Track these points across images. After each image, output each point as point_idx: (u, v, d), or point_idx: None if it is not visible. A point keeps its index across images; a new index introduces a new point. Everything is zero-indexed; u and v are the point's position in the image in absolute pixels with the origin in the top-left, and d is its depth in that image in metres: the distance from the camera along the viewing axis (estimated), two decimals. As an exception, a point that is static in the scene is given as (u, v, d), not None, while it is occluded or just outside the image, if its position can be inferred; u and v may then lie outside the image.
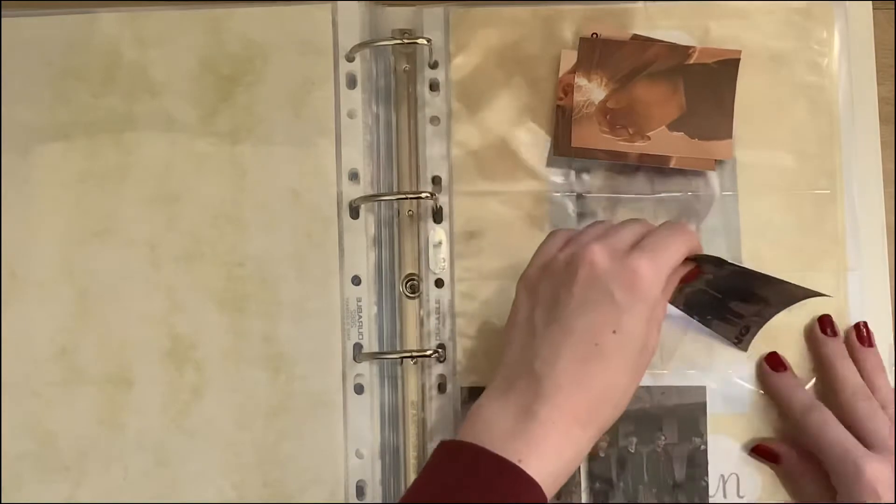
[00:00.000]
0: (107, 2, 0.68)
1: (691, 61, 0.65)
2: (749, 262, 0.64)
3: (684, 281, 0.56)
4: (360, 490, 0.63)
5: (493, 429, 0.51)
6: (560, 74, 0.66)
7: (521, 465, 0.49)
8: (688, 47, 0.65)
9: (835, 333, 0.63)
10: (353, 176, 0.65)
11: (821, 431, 0.59)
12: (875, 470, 0.56)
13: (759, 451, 0.63)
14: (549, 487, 0.50)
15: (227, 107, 0.66)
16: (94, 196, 0.66)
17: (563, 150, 0.65)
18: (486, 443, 0.50)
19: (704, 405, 0.63)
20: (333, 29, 0.66)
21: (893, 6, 0.67)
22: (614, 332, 0.51)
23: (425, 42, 0.65)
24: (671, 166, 0.64)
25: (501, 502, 0.48)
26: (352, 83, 0.66)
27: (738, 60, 0.65)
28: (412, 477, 0.64)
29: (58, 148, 0.66)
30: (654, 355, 0.55)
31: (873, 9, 0.67)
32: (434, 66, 0.66)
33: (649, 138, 0.64)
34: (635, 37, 0.66)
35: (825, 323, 0.63)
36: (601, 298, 0.52)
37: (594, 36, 0.66)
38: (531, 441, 0.50)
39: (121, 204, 0.66)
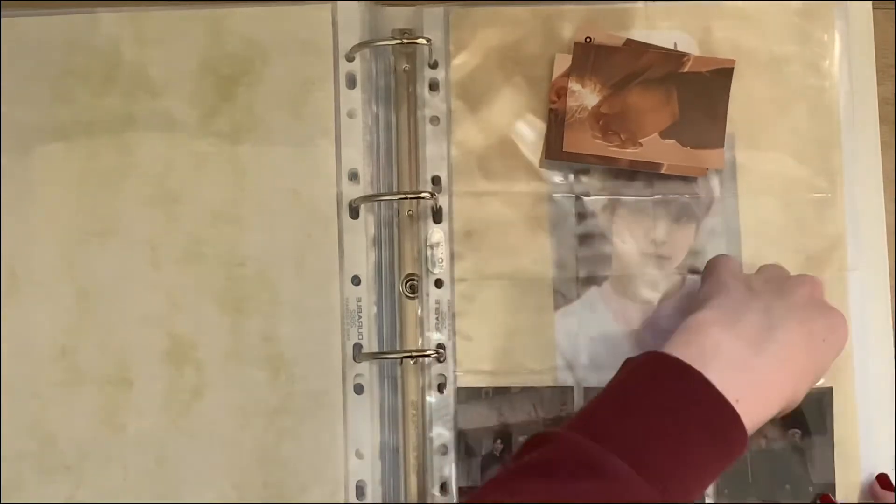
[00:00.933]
0: (107, 2, 0.68)
1: (685, 69, 0.65)
2: (749, 263, 0.64)
3: None
4: (360, 490, 0.63)
5: (720, 359, 0.52)
6: (553, 78, 0.66)
7: (739, 406, 0.50)
8: (682, 55, 0.65)
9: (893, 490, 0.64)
10: (353, 176, 0.65)
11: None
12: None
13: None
14: (751, 428, 0.52)
15: (227, 107, 0.66)
16: (95, 196, 0.66)
17: (554, 153, 0.65)
18: (708, 371, 0.51)
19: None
20: (333, 29, 0.66)
21: (893, 6, 0.67)
22: (824, 340, 0.56)
23: (425, 42, 0.65)
24: (662, 172, 0.64)
25: (713, 443, 0.50)
26: (352, 83, 0.66)
27: (731, 70, 0.65)
28: (412, 477, 0.64)
29: (58, 148, 0.66)
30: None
31: (873, 9, 0.67)
32: (434, 65, 0.66)
33: (641, 145, 0.64)
34: (629, 42, 0.65)
35: (883, 481, 0.64)
36: (820, 315, 0.56)
37: (588, 40, 0.66)
38: (756, 382, 0.52)
39: (121, 204, 0.66)
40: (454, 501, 0.63)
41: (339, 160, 0.65)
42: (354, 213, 0.65)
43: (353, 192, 0.65)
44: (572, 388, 0.64)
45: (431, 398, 0.64)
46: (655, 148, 0.64)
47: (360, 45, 0.65)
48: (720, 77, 0.65)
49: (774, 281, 0.58)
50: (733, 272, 0.59)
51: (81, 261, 0.66)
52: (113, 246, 0.66)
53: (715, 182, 0.65)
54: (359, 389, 0.64)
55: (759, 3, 0.66)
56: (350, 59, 0.66)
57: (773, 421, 0.60)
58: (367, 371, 0.64)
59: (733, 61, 0.65)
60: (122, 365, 0.65)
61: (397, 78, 0.67)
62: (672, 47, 0.66)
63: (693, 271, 0.65)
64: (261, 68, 0.66)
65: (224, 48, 0.67)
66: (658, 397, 0.51)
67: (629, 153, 0.64)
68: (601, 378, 0.64)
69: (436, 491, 0.64)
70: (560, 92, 0.66)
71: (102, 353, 0.65)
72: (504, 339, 0.65)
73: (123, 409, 0.64)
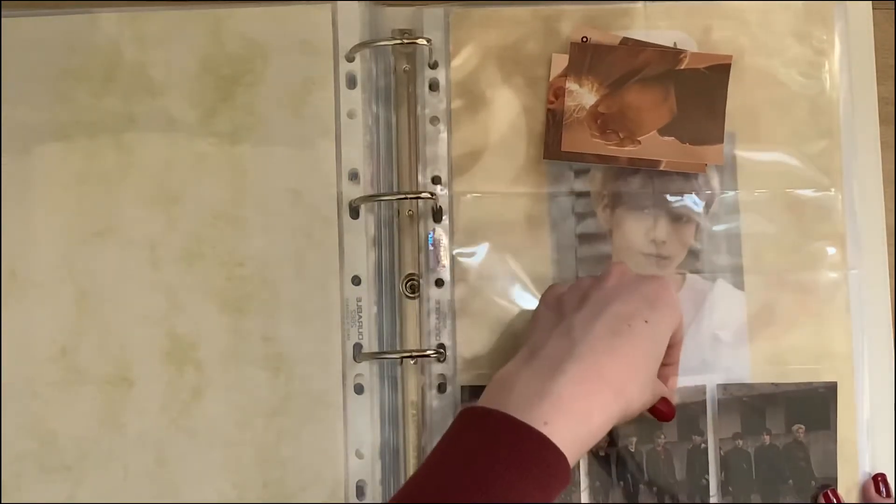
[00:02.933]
0: (107, 2, 0.68)
1: (682, 66, 0.65)
2: (750, 262, 0.64)
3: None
4: (360, 490, 0.63)
5: (517, 392, 0.51)
6: (550, 78, 0.66)
7: (547, 429, 0.49)
8: (679, 52, 0.65)
9: (888, 493, 0.63)
10: (353, 176, 0.65)
11: None
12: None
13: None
14: (574, 453, 0.50)
15: (227, 107, 0.66)
16: (95, 196, 0.66)
17: (552, 153, 0.65)
18: (509, 407, 0.50)
19: (704, 403, 0.64)
20: (333, 29, 0.66)
21: (893, 6, 0.67)
22: (646, 321, 0.55)
23: (425, 42, 0.65)
24: (661, 168, 0.64)
25: (523, 471, 0.48)
26: (352, 83, 0.66)
27: (729, 66, 0.65)
28: (412, 477, 0.64)
29: (58, 148, 0.66)
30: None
31: (873, 9, 0.67)
32: (434, 66, 0.66)
33: (640, 143, 0.64)
34: (625, 40, 0.65)
35: (878, 481, 0.64)
36: (633, 295, 0.56)
37: (584, 40, 0.66)
38: (559, 402, 0.50)
39: (121, 204, 0.66)
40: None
41: (339, 160, 0.65)
42: (354, 213, 0.65)
43: (353, 192, 0.65)
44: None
45: (432, 398, 0.64)
46: (654, 145, 0.64)
47: (360, 45, 0.66)
48: (718, 73, 0.65)
49: (580, 290, 0.58)
50: (547, 302, 0.60)
51: (81, 261, 0.66)
52: (113, 246, 0.66)
53: (715, 182, 0.65)
54: (359, 389, 0.64)
55: (758, 4, 0.66)
56: (350, 59, 0.66)
57: (775, 416, 0.61)
58: (367, 371, 0.64)
59: (730, 57, 0.65)
60: (122, 365, 0.65)
61: (397, 78, 0.67)
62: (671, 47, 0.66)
63: (693, 271, 0.65)
64: (261, 68, 0.66)
65: (224, 48, 0.67)
66: (466, 444, 0.50)
67: (628, 151, 0.64)
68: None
69: (436, 491, 0.64)
70: (558, 92, 0.66)
71: (102, 353, 0.65)
72: (504, 338, 0.65)
73: (123, 409, 0.64)
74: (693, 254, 0.65)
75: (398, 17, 0.68)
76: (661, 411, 0.59)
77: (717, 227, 0.65)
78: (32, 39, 0.67)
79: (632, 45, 0.65)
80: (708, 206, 0.65)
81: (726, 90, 0.65)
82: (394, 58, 0.67)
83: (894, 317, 0.65)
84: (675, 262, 0.65)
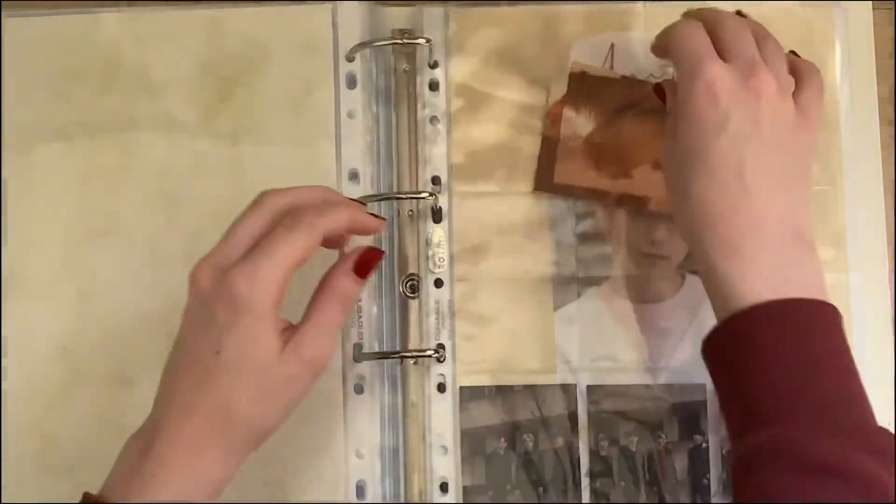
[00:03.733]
0: (107, 2, 0.68)
1: None
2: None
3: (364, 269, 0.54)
4: (360, 490, 0.63)
5: (114, 474, 0.51)
6: (548, 104, 0.66)
7: None
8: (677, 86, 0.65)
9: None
10: (353, 176, 0.65)
11: (681, 35, 0.57)
12: (716, 73, 0.54)
13: (656, 90, 0.61)
14: None
15: (227, 107, 0.66)
16: (95, 196, 0.66)
17: (544, 185, 0.65)
18: (107, 490, 0.50)
19: (705, 403, 0.64)
20: (333, 29, 0.66)
21: (893, 6, 0.67)
22: (217, 352, 0.50)
23: (425, 42, 0.65)
24: (650, 208, 0.64)
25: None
26: (352, 83, 0.66)
27: None
28: (412, 477, 0.64)
29: (58, 148, 0.66)
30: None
31: (873, 9, 0.67)
32: (434, 66, 0.66)
33: (632, 176, 0.64)
34: (624, 78, 0.65)
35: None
36: (205, 321, 0.51)
37: (583, 73, 0.66)
38: (149, 482, 0.49)
39: (121, 204, 0.66)
40: (455, 501, 0.63)
41: (339, 160, 0.66)
42: (354, 213, 0.65)
43: (353, 192, 0.65)
44: (574, 385, 0.64)
45: (431, 398, 0.64)
46: (646, 179, 0.64)
47: (360, 46, 0.66)
48: None
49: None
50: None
51: (81, 261, 0.66)
52: (113, 246, 0.66)
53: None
54: (359, 389, 0.64)
55: (758, 4, 0.66)
56: (350, 59, 0.66)
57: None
58: (367, 371, 0.64)
59: None
60: (122, 365, 0.65)
61: (397, 78, 0.67)
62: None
63: (693, 271, 0.65)
64: (261, 68, 0.66)
65: (224, 48, 0.67)
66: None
67: (620, 185, 0.64)
68: (601, 377, 0.64)
69: (436, 491, 0.64)
70: (555, 118, 0.65)
71: (102, 353, 0.65)
72: (504, 338, 0.65)
73: (123, 409, 0.64)
74: (693, 254, 0.65)
75: (398, 17, 0.68)
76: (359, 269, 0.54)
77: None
78: (32, 39, 0.67)
79: (631, 79, 0.65)
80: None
81: None
82: (394, 58, 0.67)
83: (894, 317, 0.65)
84: (674, 262, 0.65)
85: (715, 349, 0.54)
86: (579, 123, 0.65)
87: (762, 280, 0.51)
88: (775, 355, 0.50)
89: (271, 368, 0.50)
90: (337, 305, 0.53)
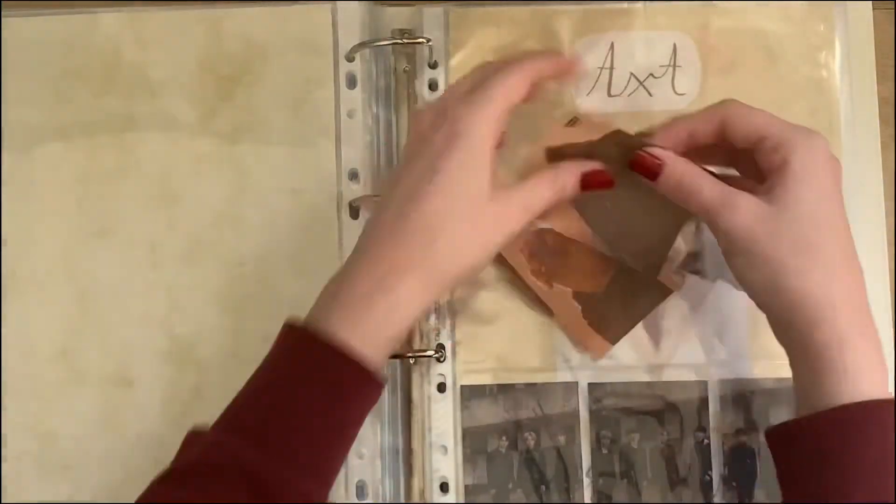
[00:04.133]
0: (107, 2, 0.68)
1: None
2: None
3: (590, 187, 0.55)
4: (361, 490, 0.63)
5: (319, 300, 0.52)
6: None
7: (341, 335, 0.49)
8: None
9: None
10: (353, 176, 0.65)
11: (750, 112, 0.54)
12: (826, 146, 0.53)
13: (637, 163, 0.55)
14: (381, 351, 0.50)
15: (227, 107, 0.66)
16: (95, 196, 0.66)
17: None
18: (313, 318, 0.50)
19: (706, 400, 0.64)
20: (333, 29, 0.66)
21: (893, 6, 0.67)
22: (433, 174, 0.51)
23: (425, 42, 0.65)
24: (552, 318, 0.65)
25: (321, 391, 0.49)
26: (352, 83, 0.66)
27: (669, 292, 0.64)
28: (412, 477, 0.64)
29: (58, 148, 0.66)
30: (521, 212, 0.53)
31: (873, 9, 0.67)
32: (434, 66, 0.66)
33: (552, 287, 0.64)
34: (618, 132, 0.61)
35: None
36: (422, 149, 0.52)
37: (573, 121, 0.65)
38: (348, 306, 0.50)
39: (121, 204, 0.66)
40: (455, 501, 0.63)
41: (339, 160, 0.66)
42: (354, 213, 0.65)
43: (353, 192, 0.65)
44: (575, 383, 0.64)
45: (432, 398, 0.64)
46: (560, 300, 0.64)
47: (360, 45, 0.66)
48: (657, 289, 0.64)
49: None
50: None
51: (81, 261, 0.65)
52: (113, 246, 0.66)
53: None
54: (359, 389, 0.64)
55: (758, 4, 0.66)
56: (350, 59, 0.66)
57: (778, 413, 0.61)
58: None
59: (678, 286, 0.64)
60: (122, 365, 0.65)
61: (397, 78, 0.67)
62: (670, 50, 0.66)
63: (693, 271, 0.65)
64: (261, 68, 0.66)
65: (224, 48, 0.67)
66: (273, 367, 0.51)
67: (537, 285, 0.64)
68: (601, 375, 0.64)
69: (436, 491, 0.63)
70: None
71: (102, 353, 0.65)
72: (504, 337, 0.65)
73: (123, 409, 0.64)
74: (693, 254, 0.65)
75: (398, 17, 0.68)
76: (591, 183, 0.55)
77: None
78: (32, 39, 0.67)
79: (622, 138, 0.60)
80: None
81: (654, 308, 0.64)
82: (394, 58, 0.67)
83: (894, 317, 0.65)
84: (675, 262, 0.65)
85: (808, 439, 0.51)
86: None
87: (874, 373, 0.51)
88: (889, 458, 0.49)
89: (480, 201, 0.51)
90: (549, 189, 0.53)
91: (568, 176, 0.54)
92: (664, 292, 0.64)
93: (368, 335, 0.49)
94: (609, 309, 0.64)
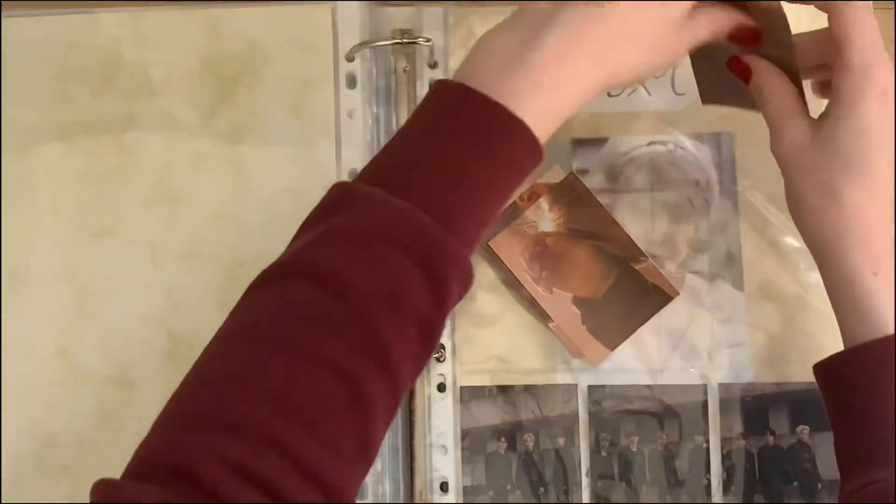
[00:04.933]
0: (107, 2, 0.68)
1: (637, 266, 0.65)
2: (750, 261, 0.64)
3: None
4: (361, 490, 0.63)
5: (489, 63, 0.48)
6: (537, 181, 0.66)
7: (514, 102, 0.46)
8: (642, 254, 0.65)
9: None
10: (353, 176, 0.65)
11: (853, 19, 0.52)
12: (890, 79, 0.51)
13: (732, 64, 0.56)
14: (546, 126, 0.47)
15: (227, 107, 0.66)
16: (95, 196, 0.66)
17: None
18: (477, 79, 0.47)
19: (705, 403, 0.64)
20: (333, 29, 0.66)
21: (893, 6, 0.67)
22: None
23: (425, 42, 0.65)
24: (549, 326, 0.64)
25: (485, 149, 0.46)
26: (352, 83, 0.66)
27: (671, 297, 0.64)
28: (413, 477, 0.64)
29: (58, 148, 0.66)
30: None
31: (873, 9, 0.67)
32: (434, 65, 0.66)
33: (552, 293, 0.64)
34: (600, 206, 0.64)
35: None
36: None
37: (575, 184, 0.66)
38: (529, 73, 0.47)
39: (121, 204, 0.66)
40: (455, 501, 0.63)
41: (339, 160, 0.66)
42: (355, 212, 0.65)
43: (353, 191, 0.65)
44: (575, 385, 0.64)
45: (432, 398, 0.64)
46: (559, 305, 0.64)
47: (360, 45, 0.66)
48: (656, 295, 0.64)
49: None
50: None
51: (81, 261, 0.66)
52: (113, 246, 0.66)
53: (715, 181, 0.65)
54: (359, 389, 0.64)
55: (758, 4, 0.66)
56: (350, 59, 0.66)
57: (778, 416, 0.61)
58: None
59: (677, 293, 0.64)
60: (121, 365, 0.65)
61: (397, 78, 0.67)
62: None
63: (693, 271, 0.65)
64: (261, 68, 0.66)
65: (224, 48, 0.67)
66: (430, 124, 0.47)
67: (536, 292, 0.64)
68: (601, 377, 0.64)
69: (436, 491, 0.64)
70: (533, 196, 0.65)
71: (102, 353, 0.65)
72: (504, 339, 0.65)
73: (123, 408, 0.64)
74: (693, 254, 0.65)
75: (398, 17, 0.68)
76: (737, 37, 0.53)
77: (717, 226, 0.65)
78: (32, 39, 0.67)
79: (611, 221, 0.64)
80: (708, 204, 0.65)
81: (648, 318, 0.64)
82: (394, 58, 0.67)
83: (894, 317, 0.65)
84: (674, 261, 0.65)
85: (846, 372, 0.52)
86: (544, 218, 0.65)
87: None
88: None
89: (661, 31, 0.49)
90: (726, 16, 0.52)
91: (728, 21, 0.52)
92: (664, 298, 0.64)
93: (539, 107, 0.47)
94: (608, 315, 0.64)
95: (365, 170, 0.48)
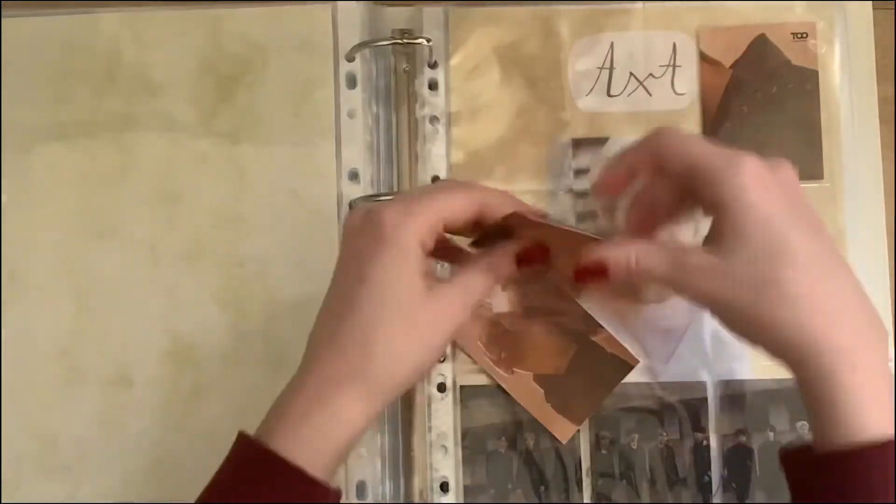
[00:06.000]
0: (107, 2, 0.68)
1: (595, 338, 0.64)
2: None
3: (528, 263, 0.54)
4: (361, 490, 0.63)
5: (269, 413, 0.50)
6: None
7: (282, 448, 0.48)
8: (599, 326, 0.64)
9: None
10: (353, 176, 0.65)
11: (681, 141, 0.51)
12: (755, 163, 0.49)
13: (580, 277, 0.53)
14: (323, 462, 0.49)
15: (227, 107, 0.66)
16: (94, 196, 0.66)
17: None
18: (260, 427, 0.50)
19: (706, 401, 0.64)
20: (333, 29, 0.66)
21: (893, 6, 0.67)
22: (361, 282, 0.50)
23: (425, 42, 0.65)
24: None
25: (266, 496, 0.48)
26: (352, 83, 0.66)
27: (631, 367, 0.64)
28: (412, 477, 0.64)
29: (58, 148, 0.66)
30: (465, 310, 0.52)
31: (873, 9, 0.67)
32: (433, 65, 0.66)
33: (513, 373, 0.64)
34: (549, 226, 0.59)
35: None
36: (350, 255, 0.51)
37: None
38: (290, 417, 0.49)
39: (121, 204, 0.66)
40: (455, 501, 0.63)
41: (339, 160, 0.66)
42: (355, 213, 0.65)
43: (353, 192, 0.65)
44: (575, 384, 0.64)
45: (432, 398, 0.64)
46: (522, 385, 0.64)
47: (360, 45, 0.66)
48: (616, 367, 0.64)
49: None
50: (344, 246, 0.54)
51: (81, 261, 0.66)
52: (113, 246, 0.66)
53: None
54: (359, 389, 0.64)
55: (758, 4, 0.66)
56: (350, 59, 0.66)
57: (778, 413, 0.61)
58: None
59: (637, 362, 0.64)
60: (121, 365, 0.65)
61: (397, 78, 0.67)
62: (670, 50, 0.66)
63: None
64: (261, 68, 0.67)
65: (224, 48, 0.67)
66: (220, 478, 0.51)
67: (499, 374, 0.64)
68: (602, 377, 0.64)
69: (436, 491, 0.63)
70: None
71: (102, 353, 0.65)
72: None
73: (123, 408, 0.64)
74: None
75: (398, 17, 0.68)
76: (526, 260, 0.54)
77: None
78: (32, 39, 0.67)
79: (562, 233, 0.58)
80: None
81: (613, 388, 0.64)
82: (394, 58, 0.67)
83: (894, 316, 0.65)
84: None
85: (826, 474, 0.47)
86: (498, 299, 0.65)
87: (886, 407, 0.47)
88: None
89: (413, 304, 0.50)
90: (483, 276, 0.53)
91: (502, 256, 0.54)
92: (625, 368, 0.64)
93: (306, 447, 0.48)
94: (572, 390, 0.63)
95: None
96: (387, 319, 0.49)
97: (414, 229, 0.50)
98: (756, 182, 0.48)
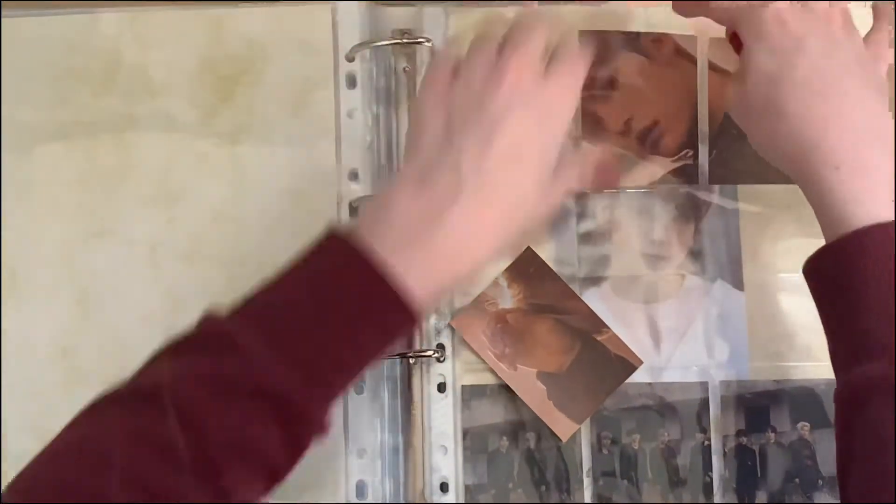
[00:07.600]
0: (107, 2, 0.68)
1: (600, 338, 0.64)
2: (749, 262, 0.64)
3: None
4: (361, 490, 0.63)
5: (391, 229, 0.48)
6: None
7: (406, 273, 0.47)
8: (604, 325, 0.65)
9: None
10: (353, 176, 0.65)
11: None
12: (779, 4, 0.53)
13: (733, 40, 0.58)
14: (430, 294, 0.48)
15: (227, 107, 0.66)
16: (95, 196, 0.66)
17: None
18: (377, 241, 0.47)
19: (707, 401, 0.64)
20: (333, 29, 0.66)
21: (894, 6, 0.67)
22: (538, 141, 0.51)
23: (425, 42, 0.65)
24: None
25: (364, 320, 0.47)
26: (352, 83, 0.66)
27: (634, 367, 0.64)
28: (413, 477, 0.64)
29: (58, 148, 0.66)
30: None
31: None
32: (434, 66, 0.66)
33: (516, 369, 0.64)
34: (561, 280, 0.64)
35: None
36: (527, 113, 0.50)
37: (532, 257, 0.65)
38: (429, 253, 0.48)
39: (121, 204, 0.66)
40: (455, 501, 0.63)
41: (339, 160, 0.66)
42: (354, 213, 0.65)
43: (353, 192, 0.65)
44: (576, 384, 0.64)
45: (432, 398, 0.64)
46: (524, 382, 0.64)
47: (360, 46, 0.66)
48: (621, 366, 0.64)
49: (472, 89, 0.51)
50: (436, 92, 0.52)
51: (81, 261, 0.65)
52: (113, 246, 0.66)
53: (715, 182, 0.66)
54: (359, 389, 0.64)
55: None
56: (350, 59, 0.66)
57: (779, 414, 0.61)
58: (367, 371, 0.64)
59: (641, 363, 0.64)
60: (122, 365, 0.64)
61: (397, 78, 0.67)
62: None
63: (693, 272, 0.65)
64: (261, 68, 0.67)
65: (224, 48, 0.67)
66: (315, 279, 0.48)
67: (502, 369, 0.64)
68: (602, 377, 0.64)
69: (436, 491, 0.64)
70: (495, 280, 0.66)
71: (103, 354, 0.65)
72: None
73: (124, 409, 0.64)
74: (693, 254, 0.65)
75: (398, 17, 0.68)
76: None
77: (716, 227, 0.65)
78: (32, 39, 0.67)
79: (571, 293, 0.65)
80: (707, 204, 0.65)
81: (612, 391, 0.64)
82: (394, 58, 0.67)
83: (894, 317, 0.65)
84: (674, 262, 0.65)
85: (821, 271, 0.52)
86: (504, 295, 0.65)
87: (875, 196, 0.50)
88: (891, 282, 0.48)
89: (552, 185, 0.52)
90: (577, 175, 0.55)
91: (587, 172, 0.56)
92: (628, 369, 0.64)
93: (429, 280, 0.48)
94: (573, 388, 0.64)
95: (246, 304, 0.49)
96: (540, 187, 0.51)
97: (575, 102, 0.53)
98: (774, 19, 0.53)
